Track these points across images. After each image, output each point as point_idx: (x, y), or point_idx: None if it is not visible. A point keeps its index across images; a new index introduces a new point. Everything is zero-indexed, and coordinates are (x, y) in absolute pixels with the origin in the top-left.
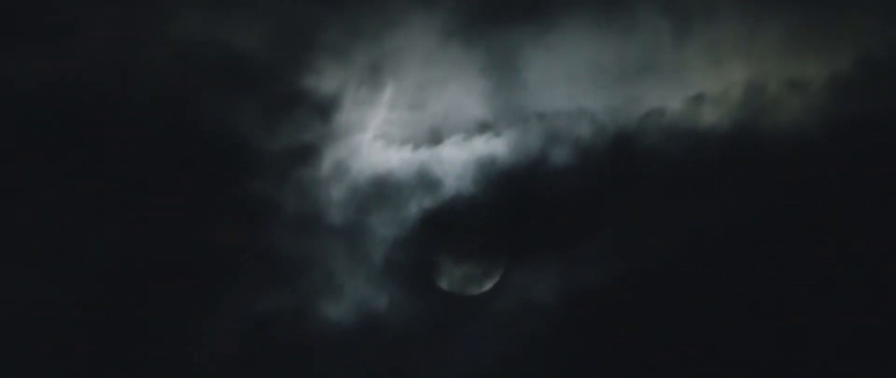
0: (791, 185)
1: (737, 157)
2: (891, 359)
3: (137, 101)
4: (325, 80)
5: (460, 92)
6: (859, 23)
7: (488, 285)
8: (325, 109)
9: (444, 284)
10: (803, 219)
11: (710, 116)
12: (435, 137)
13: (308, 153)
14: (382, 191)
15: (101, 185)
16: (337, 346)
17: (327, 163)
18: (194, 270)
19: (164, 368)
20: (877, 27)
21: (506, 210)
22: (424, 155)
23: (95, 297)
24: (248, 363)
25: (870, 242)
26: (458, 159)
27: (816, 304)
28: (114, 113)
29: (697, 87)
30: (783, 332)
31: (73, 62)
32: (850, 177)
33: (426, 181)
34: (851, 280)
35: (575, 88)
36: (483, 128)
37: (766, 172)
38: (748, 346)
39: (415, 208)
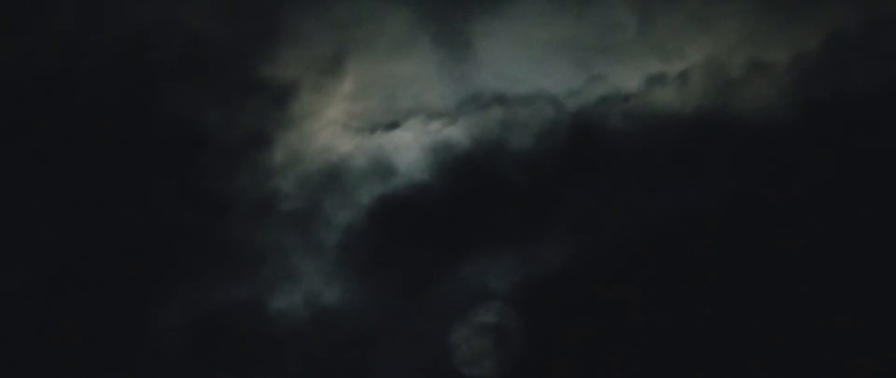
0: (756, 167)
1: (700, 140)
2: (858, 337)
3: (89, 86)
4: (283, 66)
5: (416, 76)
6: None
7: (443, 274)
8: (280, 96)
9: (398, 273)
10: (768, 202)
11: (672, 98)
12: (391, 123)
13: (261, 140)
14: (336, 178)
15: (51, 171)
16: (288, 335)
17: (280, 149)
18: (143, 259)
19: (116, 359)
20: (847, 1)
21: (463, 197)
22: (379, 141)
23: (45, 286)
24: (200, 352)
25: (837, 225)
26: (414, 145)
27: (781, 288)
28: (65, 97)
29: (659, 67)
30: (747, 318)
31: (26, 46)
32: (818, 160)
33: (381, 168)
34: (818, 263)
35: (533, 70)
36: (440, 113)
37: (730, 155)
38: (711, 332)
39: (368, 196)
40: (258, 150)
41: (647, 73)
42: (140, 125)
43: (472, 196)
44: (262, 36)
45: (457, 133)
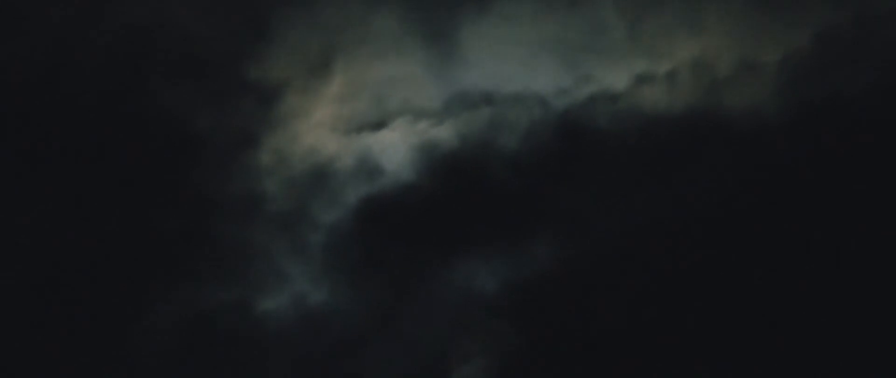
0: (745, 167)
1: (689, 139)
2: (845, 337)
3: (78, 87)
4: (271, 67)
5: (404, 76)
6: None
7: (430, 275)
8: (268, 97)
9: (385, 275)
10: (757, 202)
11: (660, 97)
12: (378, 123)
13: (248, 140)
14: (323, 179)
15: (39, 173)
16: (275, 336)
17: (268, 150)
18: (129, 260)
19: (103, 360)
20: (837, 0)
21: (450, 197)
22: (367, 141)
23: (33, 288)
24: (188, 353)
25: (827, 224)
26: (401, 145)
27: (771, 287)
28: (55, 96)
29: (647, 67)
30: (737, 317)
31: (18, 46)
32: (809, 160)
33: (368, 168)
34: (808, 261)
35: (521, 70)
36: (427, 113)
37: (719, 155)
38: (700, 332)
39: (355, 197)
40: (246, 151)
41: (635, 73)
42: (128, 125)
43: (460, 196)
44: (250, 37)
45: (444, 133)
